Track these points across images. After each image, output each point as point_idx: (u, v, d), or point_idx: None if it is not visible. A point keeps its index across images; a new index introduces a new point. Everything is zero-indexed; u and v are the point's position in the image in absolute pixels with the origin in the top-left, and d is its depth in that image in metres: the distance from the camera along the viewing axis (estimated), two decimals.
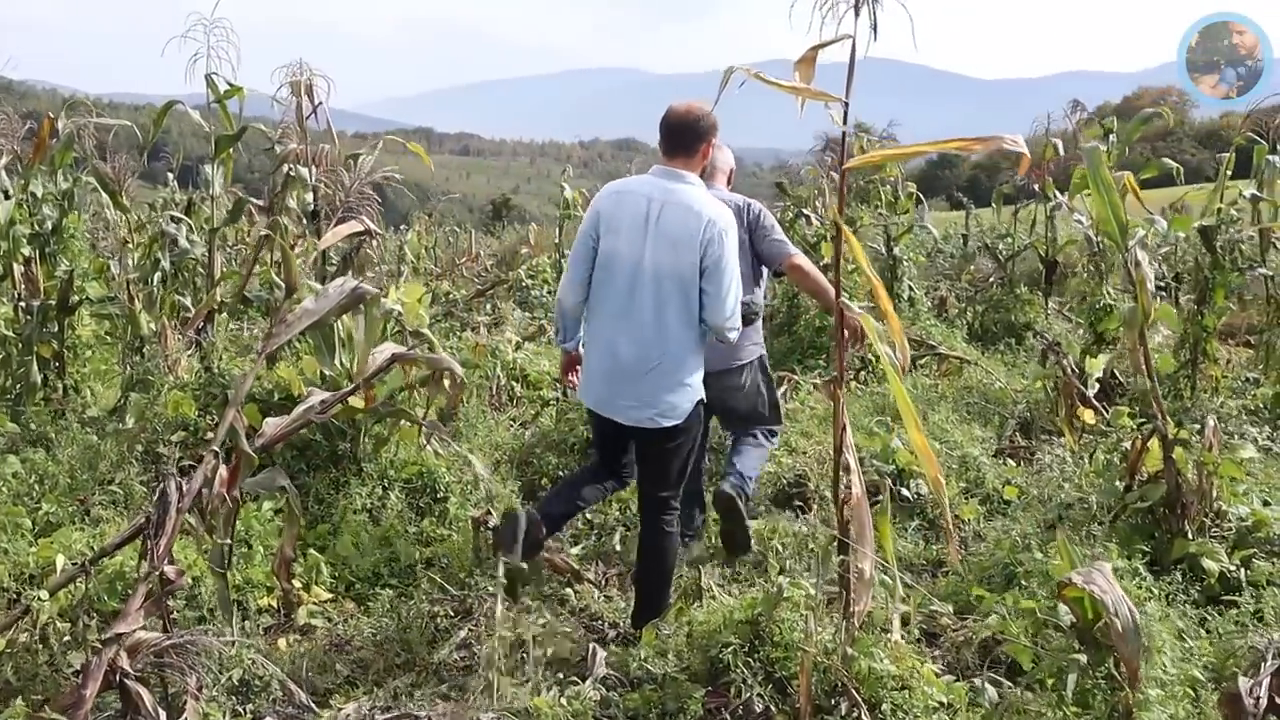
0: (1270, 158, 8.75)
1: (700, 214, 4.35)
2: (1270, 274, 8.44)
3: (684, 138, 4.47)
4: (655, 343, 4.40)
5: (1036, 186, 11.85)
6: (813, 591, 3.74)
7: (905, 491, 6.08)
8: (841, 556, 3.71)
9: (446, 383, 4.43)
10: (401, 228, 21.64)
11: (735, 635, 3.99)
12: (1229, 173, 8.51)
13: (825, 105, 3.46)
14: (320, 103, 6.21)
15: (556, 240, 15.65)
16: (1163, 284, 14.95)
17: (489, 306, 14.49)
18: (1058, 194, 10.72)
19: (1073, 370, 6.03)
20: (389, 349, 4.35)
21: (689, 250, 4.32)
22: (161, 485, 3.35)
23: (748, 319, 4.88)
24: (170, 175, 10.67)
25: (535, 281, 15.58)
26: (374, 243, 4.03)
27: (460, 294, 15.51)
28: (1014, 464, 7.25)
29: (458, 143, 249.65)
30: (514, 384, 8.26)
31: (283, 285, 3.72)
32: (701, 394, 4.58)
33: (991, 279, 12.34)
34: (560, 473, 6.72)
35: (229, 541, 3.72)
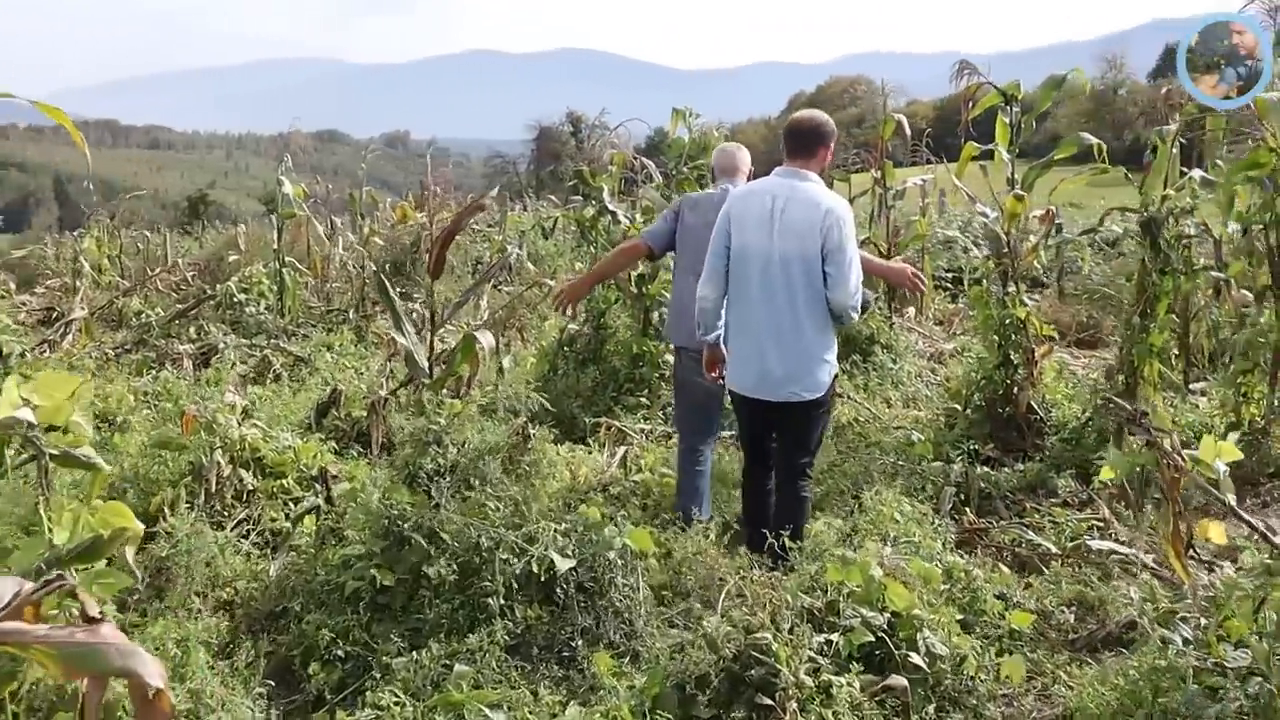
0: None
1: (819, 205, 4.82)
2: (1224, 277, 6.71)
3: (806, 141, 4.99)
4: (791, 324, 4.85)
5: (876, 171, 9.90)
6: None
7: (915, 657, 3.79)
8: None
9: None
10: (78, 232, 17.82)
11: None
12: (1180, 151, 6.74)
13: None
14: None
15: (275, 245, 12.65)
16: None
17: (193, 330, 11.48)
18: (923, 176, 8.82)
19: (1180, 459, 3.89)
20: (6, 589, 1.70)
21: (812, 238, 4.78)
22: None
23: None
24: None
25: (251, 295, 12.58)
26: None
27: (155, 314, 12.35)
28: (984, 560, 5.20)
29: (146, 136, 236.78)
30: (242, 473, 5.54)
31: None
32: (837, 368, 5.15)
33: None
34: (338, 645, 4.12)
35: None
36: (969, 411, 7.32)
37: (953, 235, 11.92)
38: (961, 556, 4.97)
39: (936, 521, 5.39)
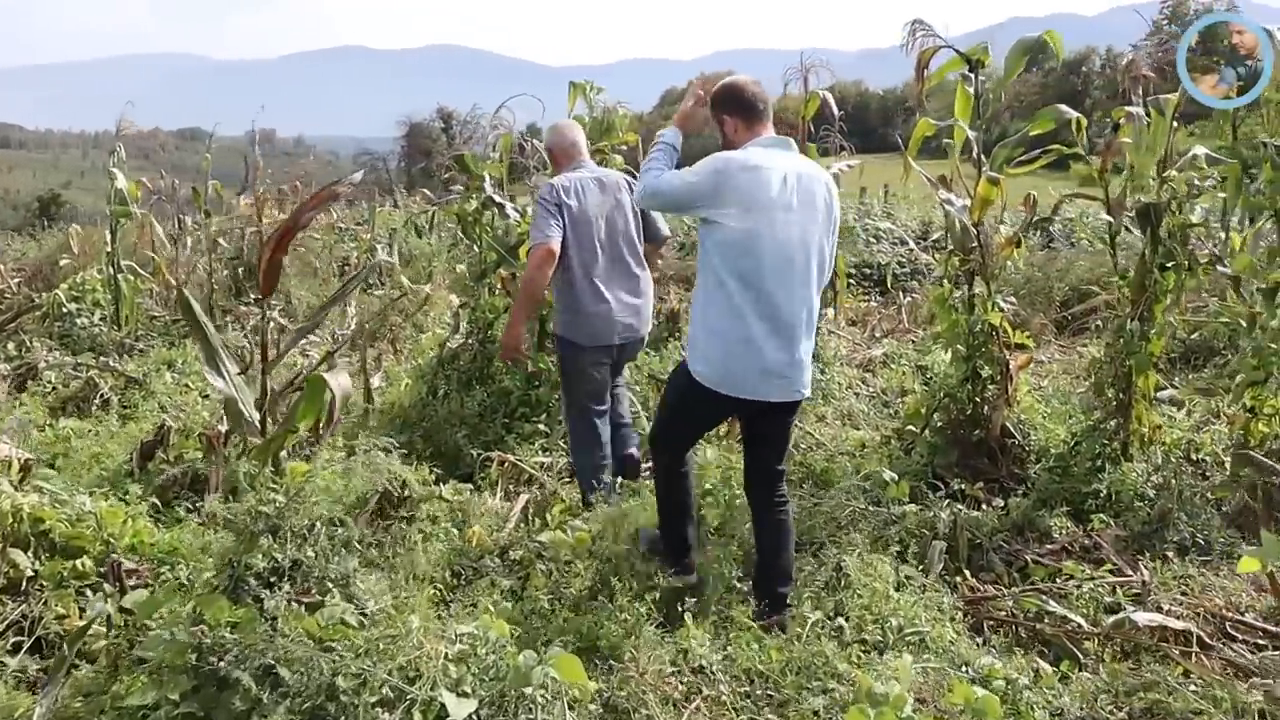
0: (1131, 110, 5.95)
1: (820, 178, 4.32)
2: (1230, 273, 5.69)
3: (769, 106, 4.37)
4: (805, 314, 4.24)
5: None
6: None
7: None
8: None
9: None
10: None
11: None
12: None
13: None
14: None
15: (110, 247, 11.04)
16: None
17: (12, 346, 9.88)
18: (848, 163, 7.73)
19: None
20: None
21: (825, 214, 4.30)
22: None
23: None
24: None
25: (83, 305, 10.94)
26: None
27: None
28: (1004, 642, 4.07)
29: None
30: (16, 555, 4.11)
31: None
32: None
33: None
34: None
35: None
36: (928, 434, 6.22)
37: (884, 226, 10.90)
38: (980, 642, 3.84)
39: (943, 597, 4.23)
